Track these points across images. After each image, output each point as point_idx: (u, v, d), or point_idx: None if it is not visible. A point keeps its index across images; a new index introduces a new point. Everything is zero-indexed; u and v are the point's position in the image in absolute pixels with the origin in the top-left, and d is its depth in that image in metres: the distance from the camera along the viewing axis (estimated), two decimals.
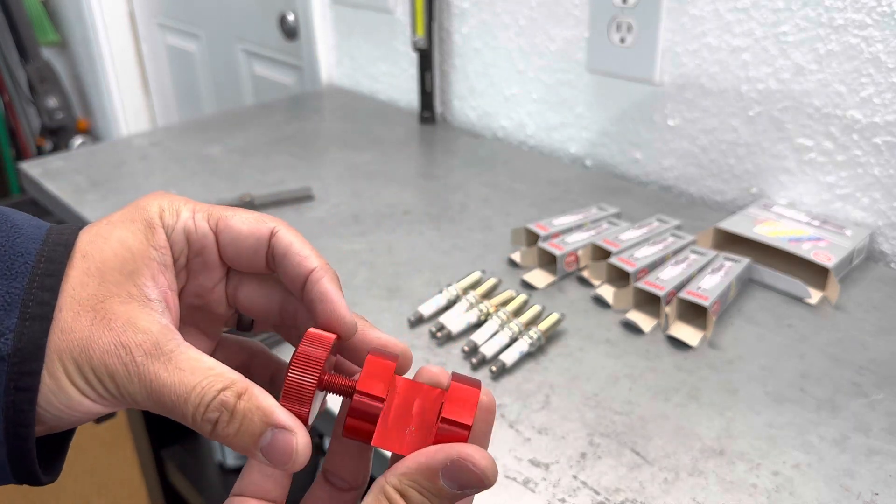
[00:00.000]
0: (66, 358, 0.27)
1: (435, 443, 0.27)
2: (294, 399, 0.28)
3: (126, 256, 0.29)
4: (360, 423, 0.28)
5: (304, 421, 0.28)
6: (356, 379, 0.29)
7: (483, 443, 0.28)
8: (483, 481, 0.26)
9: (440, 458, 0.26)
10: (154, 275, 0.29)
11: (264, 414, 0.27)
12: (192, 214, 0.31)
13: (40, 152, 2.39)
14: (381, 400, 0.28)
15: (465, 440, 0.27)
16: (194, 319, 0.33)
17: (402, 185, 0.97)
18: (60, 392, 0.27)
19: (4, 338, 0.26)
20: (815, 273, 0.72)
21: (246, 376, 0.28)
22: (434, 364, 0.30)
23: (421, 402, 0.29)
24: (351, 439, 0.28)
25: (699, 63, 0.87)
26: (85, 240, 0.29)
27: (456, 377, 0.29)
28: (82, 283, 0.28)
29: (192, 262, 0.32)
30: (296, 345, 0.30)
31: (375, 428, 0.28)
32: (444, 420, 0.27)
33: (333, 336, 0.29)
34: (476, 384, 0.29)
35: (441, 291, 0.70)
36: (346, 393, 0.29)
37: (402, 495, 0.26)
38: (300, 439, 0.27)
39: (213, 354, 0.34)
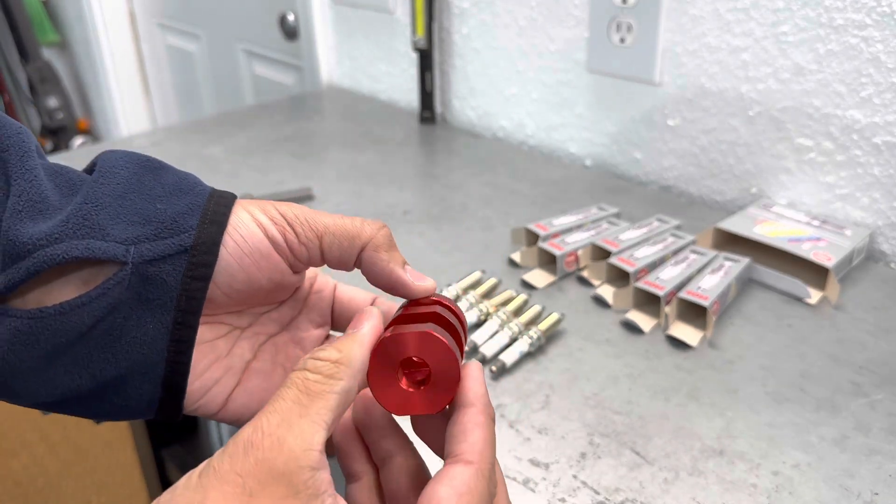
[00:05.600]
0: (253, 207, 0.33)
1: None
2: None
3: None
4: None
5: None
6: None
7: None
8: (369, 310, 0.31)
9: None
10: None
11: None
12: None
13: None
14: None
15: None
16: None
17: (402, 185, 0.97)
18: (243, 226, 0.32)
19: (187, 234, 0.31)
20: (815, 273, 0.72)
21: None
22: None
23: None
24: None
25: (699, 63, 0.87)
26: None
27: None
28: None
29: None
30: None
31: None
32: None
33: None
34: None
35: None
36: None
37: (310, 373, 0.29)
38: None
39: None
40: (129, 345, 0.30)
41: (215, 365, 0.35)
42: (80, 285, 0.30)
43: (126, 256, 0.30)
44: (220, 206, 0.32)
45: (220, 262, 0.32)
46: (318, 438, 0.26)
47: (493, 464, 0.29)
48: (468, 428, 0.29)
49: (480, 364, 0.32)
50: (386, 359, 0.30)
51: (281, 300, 0.37)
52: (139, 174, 0.32)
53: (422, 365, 0.30)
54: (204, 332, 0.34)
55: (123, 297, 0.30)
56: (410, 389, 0.30)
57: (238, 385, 0.36)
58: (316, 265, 0.35)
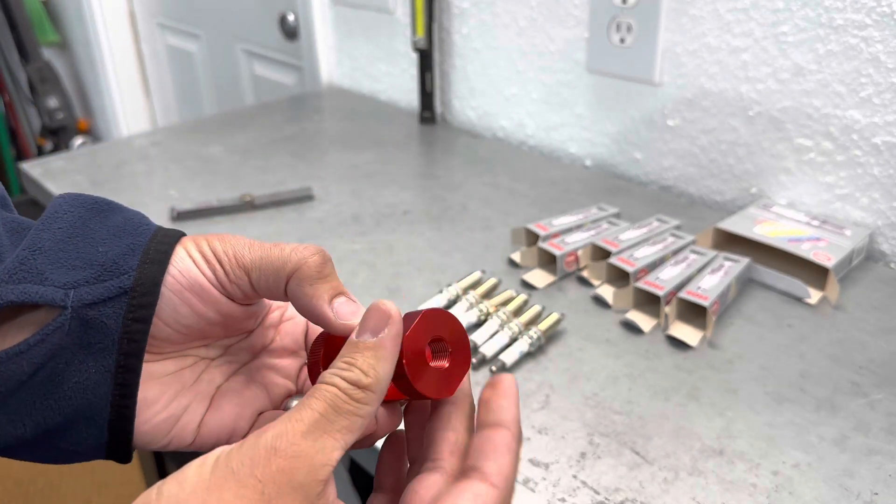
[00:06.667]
0: (188, 243, 0.32)
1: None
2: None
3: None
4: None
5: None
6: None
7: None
8: (385, 312, 0.29)
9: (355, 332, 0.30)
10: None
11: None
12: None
13: (41, 152, 2.39)
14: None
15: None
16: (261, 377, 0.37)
17: (402, 185, 0.97)
18: (180, 261, 0.31)
19: (127, 275, 0.30)
20: (815, 273, 0.72)
21: None
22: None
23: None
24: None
25: (699, 63, 0.87)
26: None
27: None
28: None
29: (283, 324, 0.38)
30: None
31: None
32: None
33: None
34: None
35: (441, 291, 0.70)
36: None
37: (339, 381, 0.28)
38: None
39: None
40: (72, 391, 0.30)
41: (181, 394, 0.34)
42: (31, 333, 0.29)
43: (65, 300, 0.29)
44: (162, 244, 0.31)
45: (162, 299, 0.31)
46: (336, 456, 0.27)
47: (512, 493, 0.30)
48: (500, 451, 0.30)
49: (515, 378, 0.32)
50: (414, 350, 0.30)
51: (249, 329, 0.36)
52: (84, 217, 0.32)
53: (437, 341, 0.32)
54: (167, 366, 0.33)
55: (64, 342, 0.29)
56: (445, 365, 0.31)
57: (210, 409, 0.35)
58: (255, 300, 0.34)
